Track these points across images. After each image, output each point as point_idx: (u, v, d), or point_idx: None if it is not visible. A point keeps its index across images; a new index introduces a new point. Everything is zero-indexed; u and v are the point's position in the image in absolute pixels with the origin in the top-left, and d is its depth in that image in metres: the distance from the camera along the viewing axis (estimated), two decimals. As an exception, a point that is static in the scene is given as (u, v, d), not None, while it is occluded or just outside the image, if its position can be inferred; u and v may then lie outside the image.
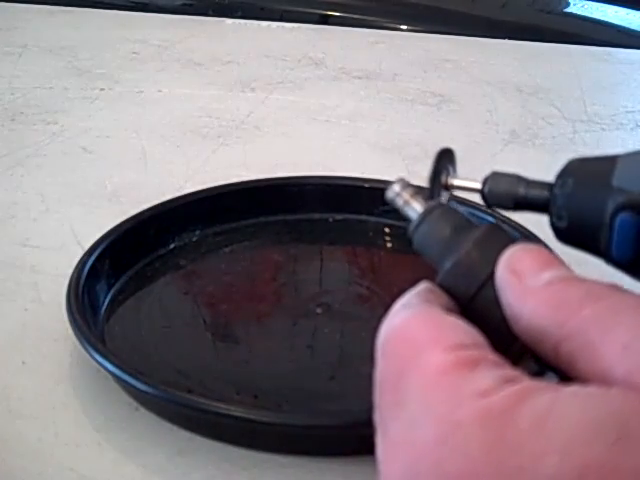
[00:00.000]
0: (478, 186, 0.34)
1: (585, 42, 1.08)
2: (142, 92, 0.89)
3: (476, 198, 0.35)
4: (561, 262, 0.27)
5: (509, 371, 0.24)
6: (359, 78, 0.94)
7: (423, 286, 0.29)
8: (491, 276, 0.28)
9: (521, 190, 0.33)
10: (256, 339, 0.51)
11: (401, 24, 1.19)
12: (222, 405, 0.41)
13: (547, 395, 0.22)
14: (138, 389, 0.43)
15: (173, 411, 0.44)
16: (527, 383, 0.23)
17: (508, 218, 0.57)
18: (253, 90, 0.90)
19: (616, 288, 0.25)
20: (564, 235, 0.32)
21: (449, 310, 0.28)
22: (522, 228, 0.55)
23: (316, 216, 0.62)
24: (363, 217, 0.60)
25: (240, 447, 0.43)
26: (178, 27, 1.11)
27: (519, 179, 0.33)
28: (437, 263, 0.30)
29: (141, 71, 0.95)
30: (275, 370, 0.48)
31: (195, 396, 0.44)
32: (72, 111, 0.84)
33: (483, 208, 0.58)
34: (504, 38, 1.09)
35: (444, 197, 0.35)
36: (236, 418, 0.41)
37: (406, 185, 0.32)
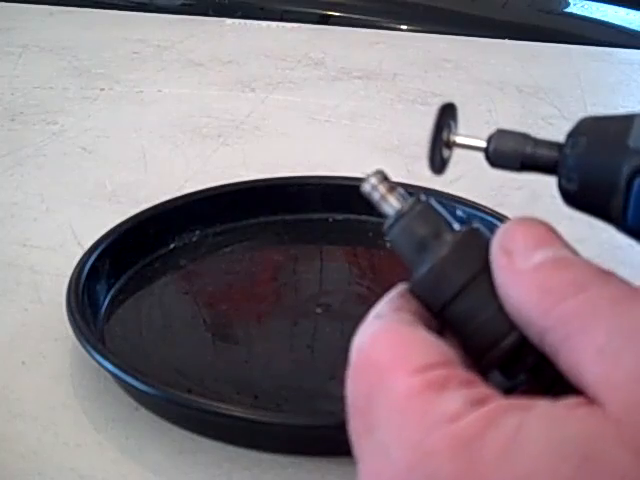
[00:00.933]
0: (482, 144, 0.32)
1: (585, 42, 1.08)
2: (142, 92, 0.89)
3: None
4: (555, 237, 0.26)
5: (478, 389, 0.24)
6: (359, 78, 0.94)
7: (395, 292, 0.29)
8: (466, 285, 0.27)
9: (528, 149, 0.31)
10: (256, 339, 0.51)
11: (401, 24, 1.19)
12: (222, 405, 0.41)
13: (514, 418, 0.22)
14: (138, 389, 0.43)
15: (173, 411, 0.44)
16: (495, 405, 0.23)
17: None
18: (253, 90, 0.90)
19: (604, 275, 0.25)
20: (573, 199, 0.30)
21: (420, 316, 0.27)
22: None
23: (316, 216, 0.62)
24: (363, 217, 0.60)
25: (240, 447, 0.43)
26: (178, 27, 1.11)
27: (526, 137, 0.31)
28: (412, 265, 0.29)
29: (141, 71, 0.95)
30: (275, 370, 0.48)
31: (195, 396, 0.44)
32: (72, 111, 0.84)
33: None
34: (504, 38, 1.09)
35: (446, 155, 0.32)
36: (236, 418, 0.41)
37: (383, 178, 0.30)
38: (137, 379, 0.43)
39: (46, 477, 0.41)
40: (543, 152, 0.30)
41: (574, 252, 0.26)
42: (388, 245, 0.29)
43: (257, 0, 1.24)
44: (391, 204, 0.30)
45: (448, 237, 0.28)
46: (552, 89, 0.91)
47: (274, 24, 1.13)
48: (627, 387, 0.21)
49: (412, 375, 0.24)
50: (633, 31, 1.21)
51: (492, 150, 0.31)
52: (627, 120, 0.29)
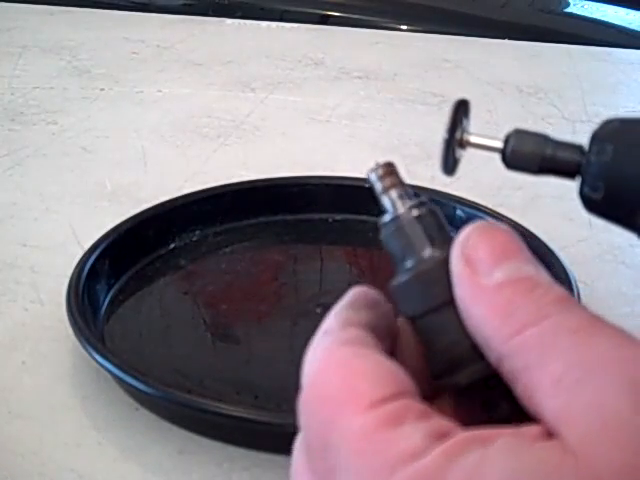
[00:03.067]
0: (499, 144, 0.30)
1: (585, 42, 1.08)
2: (142, 92, 0.89)
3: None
4: (519, 248, 0.25)
5: (437, 421, 0.23)
6: (359, 78, 0.94)
7: (343, 301, 0.27)
8: (448, 303, 0.26)
9: (548, 151, 0.29)
10: (256, 339, 0.51)
11: (401, 24, 1.19)
12: (222, 405, 0.42)
13: (475, 453, 0.21)
14: (138, 389, 0.43)
15: (173, 411, 0.44)
16: (455, 439, 0.22)
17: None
18: (253, 90, 0.90)
19: (565, 301, 0.24)
20: (596, 207, 0.29)
21: (371, 329, 0.26)
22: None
23: (316, 216, 0.62)
24: (363, 217, 0.60)
25: (240, 447, 0.43)
26: (178, 27, 1.11)
27: (546, 139, 0.29)
28: (398, 265, 0.27)
29: (141, 71, 0.95)
30: (275, 370, 0.48)
31: (195, 396, 0.44)
32: (72, 111, 0.84)
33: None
34: (504, 38, 1.09)
35: (458, 155, 0.30)
36: (236, 418, 0.41)
37: (391, 172, 0.28)
38: (137, 379, 0.43)
39: (46, 477, 0.41)
40: (564, 155, 0.29)
41: (536, 264, 0.25)
42: (380, 237, 0.28)
43: (257, 0, 1.24)
44: (392, 200, 0.28)
45: (442, 247, 0.27)
46: (552, 89, 0.91)
47: (274, 24, 1.13)
48: (584, 420, 0.21)
49: (366, 411, 0.23)
50: (633, 31, 1.21)
51: (510, 151, 0.30)
52: None
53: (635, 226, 0.28)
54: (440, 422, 0.23)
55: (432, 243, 0.27)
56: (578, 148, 0.29)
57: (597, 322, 0.23)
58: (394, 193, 0.28)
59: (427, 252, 0.27)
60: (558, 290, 0.24)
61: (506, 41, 1.08)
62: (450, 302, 0.26)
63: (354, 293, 0.28)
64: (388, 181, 0.28)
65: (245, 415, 0.41)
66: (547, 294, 0.24)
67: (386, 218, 0.28)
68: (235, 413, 0.41)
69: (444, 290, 0.26)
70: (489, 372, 0.25)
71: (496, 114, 0.83)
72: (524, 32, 1.14)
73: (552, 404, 0.22)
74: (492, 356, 0.24)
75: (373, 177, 0.28)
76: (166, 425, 0.44)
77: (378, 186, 0.28)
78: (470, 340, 0.25)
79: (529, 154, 0.29)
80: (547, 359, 0.22)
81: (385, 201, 0.28)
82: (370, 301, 0.28)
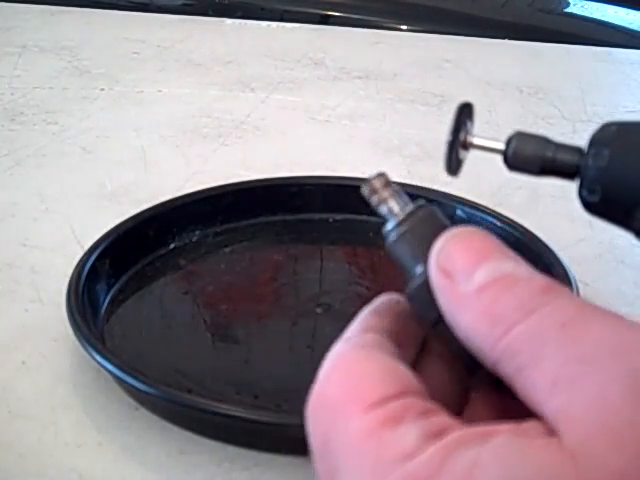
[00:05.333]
0: (501, 146, 0.30)
1: (585, 42, 1.08)
2: (142, 92, 0.89)
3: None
4: (494, 247, 0.25)
5: (437, 419, 0.22)
6: (359, 78, 0.94)
7: (368, 309, 0.27)
8: None
9: (549, 153, 0.29)
10: (256, 339, 0.51)
11: (401, 24, 1.19)
12: (222, 405, 0.41)
13: (470, 452, 0.21)
14: (138, 389, 0.43)
15: (173, 411, 0.44)
16: (451, 437, 0.22)
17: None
18: (253, 90, 0.90)
19: (551, 291, 0.23)
20: (594, 209, 0.29)
21: (390, 335, 0.26)
22: (510, 220, 0.55)
23: (316, 216, 0.62)
24: (363, 217, 0.60)
25: (240, 447, 0.43)
26: (178, 27, 1.11)
27: (547, 141, 0.30)
28: (408, 273, 0.27)
29: (141, 71, 0.95)
30: (275, 370, 0.48)
31: (195, 396, 0.44)
32: (72, 111, 0.84)
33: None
34: (504, 38, 1.09)
35: (462, 156, 0.31)
36: (236, 418, 0.41)
37: (385, 182, 0.29)
38: (137, 379, 0.43)
39: (46, 477, 0.41)
40: (564, 157, 0.29)
41: (515, 259, 0.25)
42: (386, 249, 0.28)
43: (257, 0, 1.24)
44: (391, 209, 0.28)
45: None
46: (552, 89, 0.91)
47: (274, 24, 1.13)
48: (583, 420, 0.21)
49: (366, 412, 0.23)
50: (633, 31, 1.21)
51: (511, 153, 0.30)
52: None
53: (632, 227, 0.28)
54: (441, 420, 0.23)
55: None
56: (578, 150, 0.29)
57: (586, 309, 0.22)
58: (392, 201, 0.28)
59: None
60: (540, 280, 0.24)
61: (506, 41, 1.08)
62: None
63: (380, 300, 0.28)
64: (383, 192, 0.29)
65: (245, 415, 0.41)
66: (529, 287, 0.23)
67: (388, 227, 0.28)
68: (235, 413, 0.41)
69: None
70: None
71: (496, 114, 0.83)
72: (524, 32, 1.14)
73: (550, 404, 0.21)
74: (487, 363, 0.24)
75: (367, 191, 0.29)
76: (166, 425, 0.44)
77: (374, 199, 0.29)
78: None
79: (530, 156, 0.30)
80: (538, 358, 0.22)
81: (384, 211, 0.28)
82: (395, 308, 0.28)
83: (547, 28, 1.22)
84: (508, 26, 1.19)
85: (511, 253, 0.25)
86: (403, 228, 0.28)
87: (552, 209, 0.65)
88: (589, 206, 0.29)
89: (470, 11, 1.26)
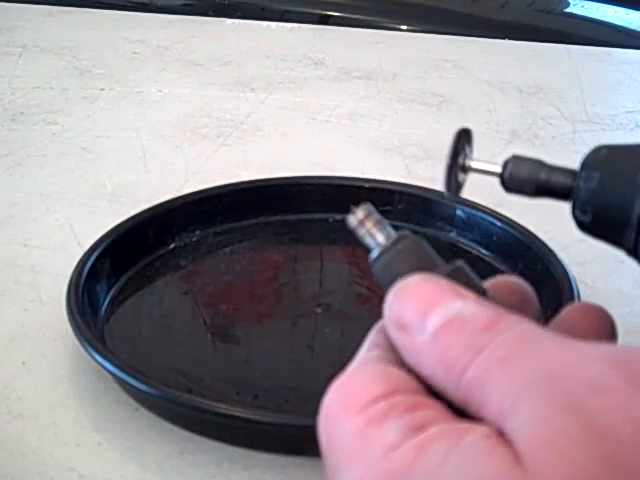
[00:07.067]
0: (498, 169, 0.32)
1: (585, 42, 1.08)
2: (142, 92, 0.89)
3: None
4: (443, 290, 0.26)
5: (422, 413, 0.24)
6: (359, 78, 0.94)
7: (377, 326, 0.28)
8: None
9: (543, 175, 0.31)
10: (256, 339, 0.51)
11: (401, 24, 1.19)
12: (222, 405, 0.42)
13: (442, 447, 0.22)
14: (138, 389, 0.43)
15: (173, 411, 0.44)
16: (430, 432, 0.23)
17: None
18: (253, 90, 0.90)
19: (495, 326, 0.24)
20: (586, 228, 0.31)
21: (393, 350, 0.27)
22: (510, 220, 0.55)
23: (316, 216, 0.62)
24: (363, 217, 0.60)
25: (240, 447, 0.43)
26: (178, 27, 1.11)
27: (541, 164, 0.31)
28: None
29: (141, 71, 0.95)
30: (275, 370, 0.48)
31: (195, 396, 0.44)
32: (72, 111, 0.84)
33: (481, 208, 0.58)
34: (504, 38, 1.09)
35: (461, 179, 0.33)
36: (236, 418, 0.41)
37: (369, 213, 0.30)
38: (137, 379, 0.43)
39: (46, 477, 0.41)
40: (557, 179, 0.31)
41: (463, 296, 0.26)
42: (373, 278, 0.29)
43: (257, 0, 1.24)
44: (376, 239, 0.30)
45: (434, 272, 0.28)
46: (552, 89, 0.91)
47: (274, 24, 1.13)
48: (527, 436, 0.22)
49: (356, 415, 0.24)
50: (633, 31, 1.21)
51: (507, 176, 0.31)
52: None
53: (623, 245, 0.30)
54: (424, 414, 0.24)
55: (427, 267, 0.28)
56: (571, 172, 0.31)
57: (524, 342, 0.24)
58: (376, 232, 0.30)
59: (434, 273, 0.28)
60: (485, 316, 0.25)
61: (506, 41, 1.08)
62: None
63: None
64: (368, 222, 0.30)
65: (245, 415, 0.41)
66: (475, 326, 0.25)
67: (373, 255, 0.29)
68: (235, 413, 0.41)
69: None
70: None
71: (496, 114, 0.83)
72: (524, 32, 1.14)
73: (512, 429, 0.22)
74: (457, 403, 0.25)
75: (353, 222, 0.30)
76: (166, 425, 0.44)
77: (361, 230, 0.30)
78: None
79: (525, 178, 0.31)
80: (488, 393, 0.23)
81: (369, 241, 0.30)
82: None
83: (547, 28, 1.22)
84: (508, 26, 1.20)
85: (458, 290, 0.26)
86: (386, 257, 0.29)
87: (552, 209, 0.65)
88: (582, 225, 0.31)
89: (470, 11, 1.26)
